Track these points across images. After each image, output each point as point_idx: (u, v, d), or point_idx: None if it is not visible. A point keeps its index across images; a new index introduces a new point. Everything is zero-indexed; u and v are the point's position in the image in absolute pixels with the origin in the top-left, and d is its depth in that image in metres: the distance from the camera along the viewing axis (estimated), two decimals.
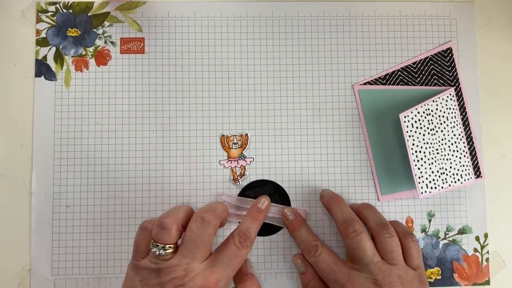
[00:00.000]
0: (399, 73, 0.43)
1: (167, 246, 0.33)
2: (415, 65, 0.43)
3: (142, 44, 0.43)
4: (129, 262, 0.35)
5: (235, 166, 0.42)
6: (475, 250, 0.42)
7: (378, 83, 0.43)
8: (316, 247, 0.37)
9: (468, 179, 0.42)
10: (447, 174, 0.41)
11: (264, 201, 0.39)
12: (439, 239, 0.42)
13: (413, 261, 0.36)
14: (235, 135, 0.42)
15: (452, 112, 0.42)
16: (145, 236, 0.35)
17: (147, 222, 0.35)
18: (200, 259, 0.33)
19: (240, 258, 0.35)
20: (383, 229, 0.36)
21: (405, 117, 0.40)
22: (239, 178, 0.42)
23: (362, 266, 0.35)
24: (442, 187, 0.40)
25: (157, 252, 0.33)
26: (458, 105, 0.43)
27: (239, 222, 0.41)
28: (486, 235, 0.42)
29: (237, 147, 0.42)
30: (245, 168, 0.42)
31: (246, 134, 0.42)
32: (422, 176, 0.40)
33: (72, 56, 0.42)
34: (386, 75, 0.43)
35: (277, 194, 0.42)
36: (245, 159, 0.42)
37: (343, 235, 0.37)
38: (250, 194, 0.42)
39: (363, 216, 0.38)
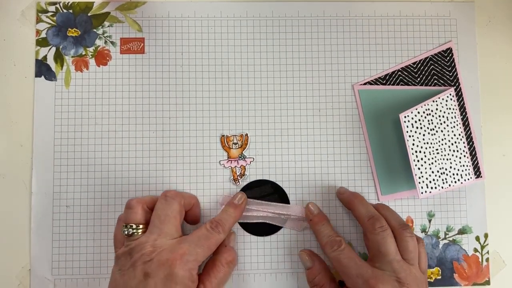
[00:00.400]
0: (399, 73, 0.43)
1: (135, 225, 0.35)
2: (415, 65, 0.43)
3: (142, 44, 0.43)
4: None
5: (235, 166, 0.42)
6: (475, 250, 0.42)
7: (378, 83, 0.43)
8: (340, 242, 0.37)
9: (468, 179, 0.42)
10: (447, 174, 0.41)
11: (240, 197, 0.40)
12: (439, 239, 0.42)
13: (422, 265, 0.37)
14: (235, 135, 0.42)
15: (452, 112, 0.42)
16: (120, 225, 0.37)
17: (121, 214, 0.38)
18: (168, 235, 0.35)
19: (210, 240, 0.36)
20: (405, 229, 0.37)
21: (405, 117, 0.40)
22: (239, 178, 0.42)
23: (385, 263, 0.35)
24: (442, 187, 0.40)
25: (126, 232, 0.35)
26: (458, 105, 0.43)
27: (239, 223, 0.41)
28: (486, 235, 0.42)
29: (237, 147, 0.42)
30: (245, 168, 0.42)
31: (246, 134, 0.42)
32: (422, 176, 0.40)
33: (72, 56, 0.42)
34: (386, 75, 0.43)
35: (276, 193, 0.42)
36: (245, 159, 0.42)
37: (370, 230, 0.37)
38: (248, 195, 0.42)
39: (383, 215, 0.39)
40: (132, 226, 0.35)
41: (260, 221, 0.41)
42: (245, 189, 0.42)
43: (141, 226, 0.35)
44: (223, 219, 0.38)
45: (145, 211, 0.36)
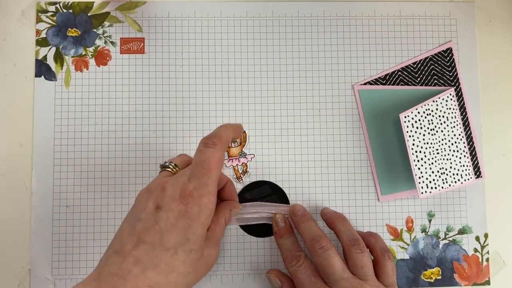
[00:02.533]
0: (399, 73, 0.43)
1: (173, 164, 0.36)
2: (415, 65, 0.43)
3: (142, 44, 0.43)
4: None
5: (237, 164, 0.42)
6: (475, 250, 0.42)
7: (378, 83, 0.43)
8: (299, 258, 0.37)
9: (468, 179, 0.42)
10: (447, 174, 0.41)
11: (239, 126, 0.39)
12: (439, 239, 0.42)
13: (387, 279, 0.36)
14: None
15: (452, 112, 0.42)
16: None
17: None
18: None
19: (209, 158, 0.32)
20: (354, 244, 0.36)
21: (405, 117, 0.40)
22: (242, 176, 0.42)
23: (333, 283, 0.34)
24: (442, 187, 0.40)
25: (163, 163, 0.36)
26: (458, 105, 0.43)
27: (240, 226, 0.41)
28: (486, 235, 0.42)
29: (237, 145, 0.42)
30: (247, 165, 0.42)
31: (244, 132, 0.42)
32: (422, 176, 0.40)
33: (72, 56, 0.42)
34: (386, 75, 0.43)
35: (275, 194, 0.42)
36: (246, 156, 0.42)
37: (311, 252, 0.36)
38: (248, 197, 0.41)
39: (336, 229, 0.38)
40: (171, 162, 0.36)
41: (260, 222, 0.41)
42: (243, 191, 0.42)
43: (177, 167, 0.36)
44: (217, 132, 0.34)
45: (186, 163, 0.38)
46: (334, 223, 0.38)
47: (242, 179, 0.42)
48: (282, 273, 0.40)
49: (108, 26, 0.43)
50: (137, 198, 0.34)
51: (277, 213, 0.40)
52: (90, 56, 0.43)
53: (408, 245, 0.42)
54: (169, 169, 0.36)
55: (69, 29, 0.43)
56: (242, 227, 0.41)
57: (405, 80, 0.43)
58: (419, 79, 0.43)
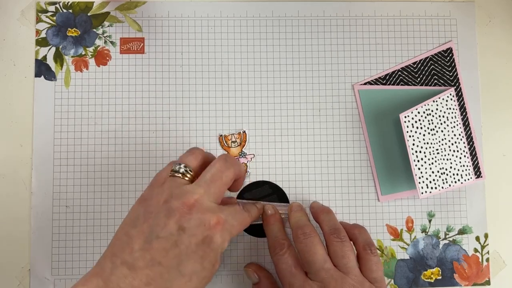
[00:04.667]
0: (399, 73, 0.43)
1: (188, 168, 0.33)
2: (415, 65, 0.43)
3: (142, 44, 0.43)
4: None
5: None
6: (475, 250, 0.42)
7: (378, 83, 0.43)
8: (283, 245, 0.35)
9: (468, 179, 0.42)
10: (447, 174, 0.41)
11: (259, 206, 0.39)
12: (439, 239, 0.42)
13: (371, 274, 0.34)
14: (233, 134, 0.42)
15: (452, 112, 0.42)
16: (168, 167, 0.34)
17: (174, 160, 0.35)
18: (212, 197, 0.32)
19: (244, 217, 0.34)
20: (334, 233, 0.34)
21: (405, 117, 0.40)
22: None
23: (313, 273, 0.33)
24: (442, 187, 0.40)
25: (177, 168, 0.32)
26: (458, 105, 0.43)
27: None
28: (486, 235, 0.42)
29: (236, 145, 0.42)
30: (247, 165, 0.42)
31: (244, 132, 0.42)
32: (422, 176, 0.40)
33: (72, 56, 0.42)
34: (386, 75, 0.43)
35: (275, 194, 0.42)
36: (246, 156, 0.42)
37: (294, 239, 0.35)
38: (247, 197, 0.41)
39: (319, 220, 0.37)
40: (185, 166, 0.33)
41: (260, 222, 0.41)
42: (243, 191, 0.42)
43: (192, 173, 0.33)
44: (251, 207, 0.37)
45: (203, 163, 0.34)
46: (319, 214, 0.37)
47: None
48: (261, 267, 0.39)
49: (108, 26, 0.43)
50: (148, 203, 0.31)
51: (266, 204, 0.39)
52: (90, 56, 0.43)
53: (408, 245, 0.42)
54: (188, 178, 0.33)
55: (69, 29, 0.43)
56: None
57: (405, 80, 0.43)
58: (419, 79, 0.43)
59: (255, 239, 0.41)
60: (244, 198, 0.41)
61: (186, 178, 0.33)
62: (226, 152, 0.36)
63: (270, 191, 0.42)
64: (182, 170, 0.33)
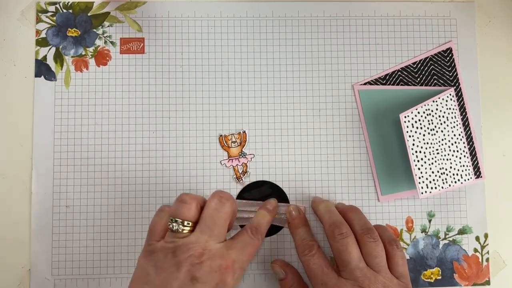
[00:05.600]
0: (399, 73, 0.43)
1: (186, 222, 0.33)
2: (415, 65, 0.43)
3: (142, 44, 0.43)
4: (139, 255, 0.34)
5: (237, 165, 0.42)
6: (475, 250, 0.42)
7: (378, 83, 0.43)
8: (312, 247, 0.37)
9: (468, 179, 0.42)
10: (447, 174, 0.41)
11: (272, 202, 0.40)
12: (439, 239, 0.42)
13: (397, 269, 0.35)
14: (233, 134, 0.42)
15: (452, 112, 0.42)
16: (162, 217, 0.35)
17: (165, 205, 0.36)
18: (217, 238, 0.33)
19: (252, 247, 0.35)
20: (367, 233, 0.36)
21: (405, 117, 0.40)
22: (241, 176, 0.42)
23: (348, 272, 0.34)
24: (442, 187, 0.40)
25: (175, 227, 0.33)
26: (458, 105, 0.43)
27: (240, 226, 0.41)
28: (486, 235, 0.42)
29: (236, 145, 0.42)
30: (246, 166, 0.42)
31: (244, 132, 0.42)
32: (422, 176, 0.40)
33: (72, 56, 0.42)
34: (386, 75, 0.43)
35: (275, 194, 0.42)
36: (246, 156, 0.42)
37: (330, 237, 0.36)
38: (247, 197, 0.41)
39: (349, 219, 0.38)
40: (183, 222, 0.33)
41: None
42: (243, 191, 0.42)
43: (190, 224, 0.33)
44: (261, 224, 0.37)
45: (197, 209, 0.34)
46: (347, 213, 0.38)
47: (242, 179, 0.42)
48: (286, 263, 0.40)
49: (108, 26, 0.43)
50: (156, 258, 0.32)
51: (291, 205, 0.41)
52: (90, 56, 0.43)
53: (408, 245, 0.42)
54: (187, 231, 0.33)
55: (69, 29, 0.43)
56: (242, 227, 0.41)
57: (405, 80, 0.43)
58: (419, 79, 0.43)
59: None
60: (244, 198, 0.41)
61: (186, 231, 0.33)
62: (219, 190, 0.36)
63: (270, 191, 0.42)
64: (180, 227, 0.33)
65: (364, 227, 0.36)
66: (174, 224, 0.33)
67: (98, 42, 0.43)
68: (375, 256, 0.35)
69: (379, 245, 0.36)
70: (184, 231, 0.33)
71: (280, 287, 0.39)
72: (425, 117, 0.41)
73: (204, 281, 0.31)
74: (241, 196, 0.42)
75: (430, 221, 0.42)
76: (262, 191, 0.42)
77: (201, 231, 0.33)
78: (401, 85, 0.43)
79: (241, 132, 0.42)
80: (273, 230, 0.41)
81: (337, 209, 0.40)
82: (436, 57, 0.44)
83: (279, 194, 0.42)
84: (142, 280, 0.31)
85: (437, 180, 0.40)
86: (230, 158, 0.42)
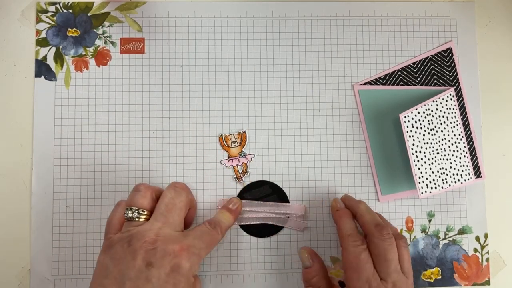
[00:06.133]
0: (399, 73, 0.43)
1: (141, 210, 0.34)
2: (415, 65, 0.43)
3: (142, 44, 0.43)
4: (99, 253, 0.34)
5: (237, 165, 0.42)
6: (475, 250, 0.42)
7: (378, 83, 0.43)
8: (363, 241, 0.36)
9: (468, 179, 0.42)
10: (447, 174, 0.41)
11: (235, 202, 0.40)
12: (439, 239, 0.42)
13: (404, 264, 0.35)
14: (233, 134, 0.42)
15: (452, 112, 0.42)
16: (119, 211, 0.36)
17: (122, 200, 0.37)
18: (172, 226, 0.34)
19: (210, 236, 0.35)
20: (401, 238, 0.36)
21: (405, 117, 0.40)
22: (241, 176, 0.42)
23: (387, 273, 0.34)
24: (442, 187, 0.40)
25: (130, 215, 0.34)
26: (458, 105, 0.43)
27: (240, 226, 0.41)
28: (486, 235, 0.42)
29: (236, 145, 0.42)
30: (246, 166, 0.42)
31: (244, 132, 0.42)
32: (422, 176, 0.40)
33: (72, 56, 0.42)
34: (386, 75, 0.43)
35: (275, 194, 0.42)
36: (246, 156, 0.42)
37: (377, 236, 0.35)
38: (248, 196, 0.41)
39: (363, 220, 0.37)
40: (137, 209, 0.34)
41: (260, 222, 0.41)
42: (244, 191, 0.42)
43: (145, 212, 0.34)
44: (220, 221, 0.37)
45: (152, 198, 0.35)
46: (357, 211, 0.38)
47: (242, 179, 0.42)
48: (315, 253, 0.39)
49: (108, 26, 0.43)
50: (113, 251, 0.32)
51: (335, 198, 0.40)
52: (90, 56, 0.43)
53: (408, 245, 0.42)
54: (143, 219, 0.34)
55: (69, 29, 0.43)
56: (242, 227, 0.41)
57: (405, 80, 0.43)
58: (419, 79, 0.43)
59: (255, 239, 0.41)
60: (244, 198, 0.41)
61: (142, 219, 0.34)
62: (175, 181, 0.37)
63: (270, 191, 0.42)
64: (135, 214, 0.34)
65: (396, 232, 0.37)
66: (129, 211, 0.34)
67: (98, 42, 0.43)
68: (407, 260, 0.36)
69: (408, 251, 0.36)
70: (140, 219, 0.34)
71: (303, 276, 0.38)
72: (425, 117, 0.41)
73: (159, 266, 0.31)
74: (241, 196, 0.42)
75: (430, 221, 0.42)
76: (262, 191, 0.42)
77: (155, 218, 0.34)
78: (401, 85, 0.43)
79: (241, 132, 0.42)
80: (273, 230, 0.41)
81: (344, 201, 0.40)
82: (436, 57, 0.44)
83: (279, 194, 0.42)
84: (101, 274, 0.32)
85: (437, 180, 0.40)
86: (230, 158, 0.42)
